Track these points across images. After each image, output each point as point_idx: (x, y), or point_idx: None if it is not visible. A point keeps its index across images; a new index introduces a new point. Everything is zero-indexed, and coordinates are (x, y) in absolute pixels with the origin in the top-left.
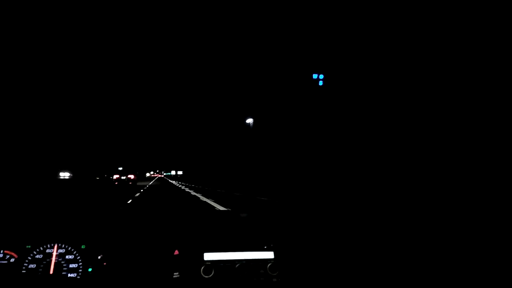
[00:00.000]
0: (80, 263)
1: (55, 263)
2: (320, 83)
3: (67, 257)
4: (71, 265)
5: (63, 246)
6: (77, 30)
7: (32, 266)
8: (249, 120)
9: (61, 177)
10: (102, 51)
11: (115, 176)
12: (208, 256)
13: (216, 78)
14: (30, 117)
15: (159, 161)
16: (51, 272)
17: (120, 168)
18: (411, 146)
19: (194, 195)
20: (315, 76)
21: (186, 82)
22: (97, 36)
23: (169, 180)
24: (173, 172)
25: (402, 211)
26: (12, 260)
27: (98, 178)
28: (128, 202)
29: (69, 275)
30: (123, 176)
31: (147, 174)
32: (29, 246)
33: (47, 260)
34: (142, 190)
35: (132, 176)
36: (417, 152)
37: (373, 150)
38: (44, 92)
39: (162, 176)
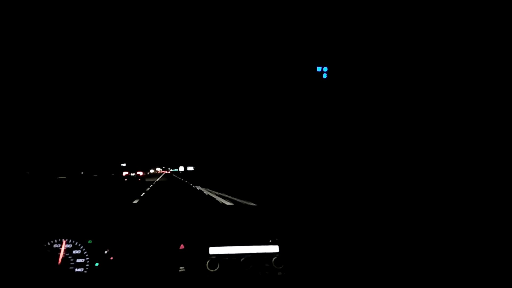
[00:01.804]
0: (87, 258)
1: (62, 258)
2: (324, 75)
3: (74, 252)
4: (78, 260)
5: (70, 241)
6: (74, 21)
7: (39, 261)
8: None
9: None
10: (102, 38)
11: (124, 173)
12: (214, 250)
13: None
14: (33, 115)
15: (165, 156)
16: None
17: (123, 164)
18: (415, 143)
19: None
20: (319, 68)
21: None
22: (93, 20)
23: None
24: (181, 168)
25: (405, 207)
26: (19, 255)
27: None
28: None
29: (76, 269)
30: (132, 173)
31: (151, 171)
32: (37, 242)
33: (55, 255)
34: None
35: (141, 173)
36: (420, 149)
37: (375, 146)
38: (42, 88)
39: (169, 172)
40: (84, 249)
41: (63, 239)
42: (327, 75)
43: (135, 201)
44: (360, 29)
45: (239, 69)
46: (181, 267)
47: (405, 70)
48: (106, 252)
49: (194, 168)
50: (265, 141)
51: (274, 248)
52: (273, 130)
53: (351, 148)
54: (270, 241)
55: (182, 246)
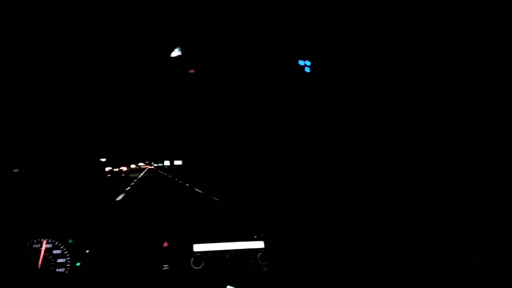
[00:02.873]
0: (68, 258)
1: (42, 258)
2: (307, 69)
3: (54, 252)
4: (59, 260)
5: (50, 241)
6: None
7: (19, 262)
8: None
9: None
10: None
11: (107, 168)
12: (198, 247)
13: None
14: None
15: (148, 150)
16: (39, 267)
17: (103, 160)
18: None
19: None
20: (301, 62)
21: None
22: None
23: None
24: (166, 163)
25: (392, 205)
26: None
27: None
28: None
29: (57, 270)
30: (116, 168)
31: (132, 166)
32: (16, 242)
33: (35, 255)
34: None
35: (124, 168)
36: (418, 148)
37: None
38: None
39: (153, 167)
40: (64, 249)
41: (42, 239)
42: (310, 69)
43: (119, 198)
44: (345, 21)
45: (219, 60)
46: (165, 265)
47: (392, 64)
48: (87, 251)
49: (182, 162)
50: (249, 135)
51: (259, 244)
52: (256, 124)
53: (335, 144)
54: (255, 236)
55: (165, 244)
